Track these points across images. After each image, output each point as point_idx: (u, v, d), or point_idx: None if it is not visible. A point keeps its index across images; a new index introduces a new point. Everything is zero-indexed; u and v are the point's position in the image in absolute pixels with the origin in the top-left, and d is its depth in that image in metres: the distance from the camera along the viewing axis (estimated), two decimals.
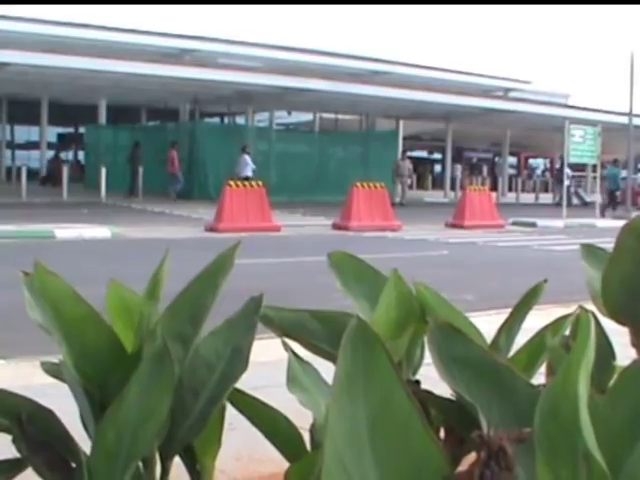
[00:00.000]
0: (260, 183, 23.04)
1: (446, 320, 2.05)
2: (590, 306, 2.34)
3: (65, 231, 19.06)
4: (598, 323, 2.27)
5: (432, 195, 47.27)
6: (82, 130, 48.14)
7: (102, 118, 39.51)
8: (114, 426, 2.00)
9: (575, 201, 43.52)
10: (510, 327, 2.47)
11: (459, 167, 52.38)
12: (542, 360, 2.41)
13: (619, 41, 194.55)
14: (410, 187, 40.87)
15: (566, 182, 34.12)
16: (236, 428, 2.90)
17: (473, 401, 1.78)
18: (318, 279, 8.74)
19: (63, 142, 57.34)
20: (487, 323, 2.90)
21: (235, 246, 2.43)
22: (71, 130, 56.93)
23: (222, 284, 2.37)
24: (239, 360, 2.25)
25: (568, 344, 2.29)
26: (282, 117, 51.94)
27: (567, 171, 46.32)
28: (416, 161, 50.43)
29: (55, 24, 40.21)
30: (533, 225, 26.97)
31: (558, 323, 2.47)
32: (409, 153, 43.11)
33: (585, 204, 43.32)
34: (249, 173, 32.21)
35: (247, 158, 33.06)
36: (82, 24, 41.37)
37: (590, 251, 2.83)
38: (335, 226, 23.48)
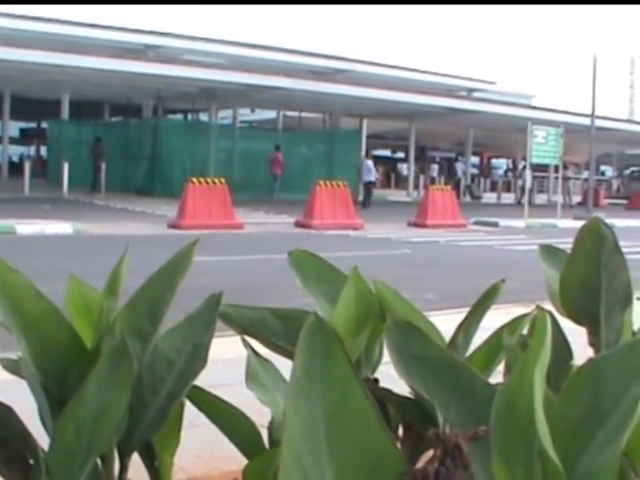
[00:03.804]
0: (223, 180, 22.98)
1: (404, 318, 2.06)
2: (549, 306, 2.36)
3: (26, 227, 18.89)
4: (556, 323, 2.29)
5: (395, 194, 47.37)
6: (45, 125, 47.79)
7: (65, 113, 39.25)
8: (72, 422, 1.99)
9: (466, 196, 45.17)
10: (468, 326, 2.49)
11: (436, 167, 52.84)
12: (500, 359, 2.43)
13: (583, 42, 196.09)
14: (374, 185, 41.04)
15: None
16: (197, 425, 2.90)
17: (431, 399, 1.79)
18: (280, 277, 8.72)
19: (25, 137, 56.93)
20: (447, 322, 2.91)
21: (193, 243, 2.43)
22: (33, 125, 56.51)
23: (180, 281, 2.37)
24: (198, 357, 2.25)
25: (526, 343, 2.30)
26: (245, 115, 51.87)
27: (460, 166, 47.83)
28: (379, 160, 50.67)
29: (16, 17, 39.79)
30: (495, 225, 27.09)
31: (516, 322, 2.49)
32: (373, 152, 43.30)
33: (476, 198, 44.94)
34: (372, 178, 32.53)
35: (370, 163, 33.71)
36: (45, 18, 41.07)
37: (549, 252, 2.84)
38: (298, 224, 23.47)
